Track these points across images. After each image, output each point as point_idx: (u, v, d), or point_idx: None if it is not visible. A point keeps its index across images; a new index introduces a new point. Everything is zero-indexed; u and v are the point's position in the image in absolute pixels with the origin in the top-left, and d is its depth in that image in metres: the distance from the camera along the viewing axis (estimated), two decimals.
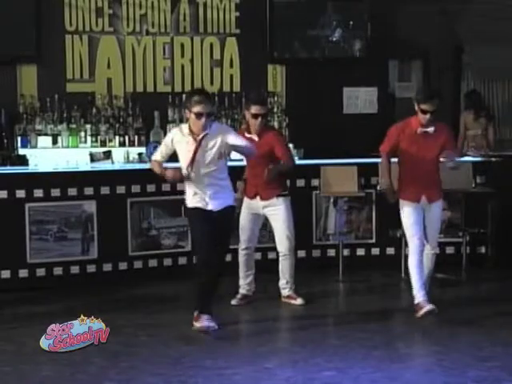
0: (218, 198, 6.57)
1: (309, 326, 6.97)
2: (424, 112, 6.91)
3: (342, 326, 6.96)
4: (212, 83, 10.06)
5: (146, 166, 8.90)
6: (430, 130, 6.98)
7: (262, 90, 9.90)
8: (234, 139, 6.58)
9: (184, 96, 9.56)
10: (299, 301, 7.60)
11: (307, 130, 9.71)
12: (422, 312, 6.92)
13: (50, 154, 9.23)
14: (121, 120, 9.63)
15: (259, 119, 7.38)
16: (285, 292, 7.66)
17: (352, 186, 8.74)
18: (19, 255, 8.14)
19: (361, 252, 9.12)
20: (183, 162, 6.61)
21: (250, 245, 7.57)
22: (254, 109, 7.38)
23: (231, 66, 10.16)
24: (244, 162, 7.52)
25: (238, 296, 7.61)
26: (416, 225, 7.04)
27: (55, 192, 8.26)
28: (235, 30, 10.12)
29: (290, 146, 9.43)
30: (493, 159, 9.20)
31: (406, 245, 8.61)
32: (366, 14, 10.26)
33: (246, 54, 10.11)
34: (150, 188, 8.56)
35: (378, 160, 8.80)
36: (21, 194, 8.16)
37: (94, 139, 9.51)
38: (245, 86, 10.06)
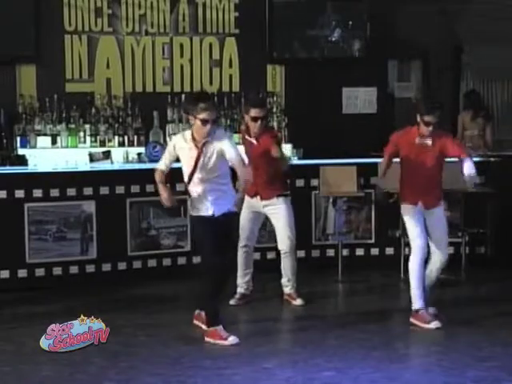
0: (218, 203, 6.54)
1: (308, 326, 6.97)
2: (427, 124, 6.86)
3: (341, 326, 6.95)
4: (211, 83, 10.05)
5: (146, 166, 8.94)
6: (428, 142, 6.94)
7: (261, 92, 9.91)
8: (230, 152, 6.45)
9: (183, 97, 9.65)
10: (299, 301, 7.60)
11: (306, 130, 9.70)
12: (426, 326, 6.86)
13: (49, 154, 9.21)
14: (120, 120, 9.61)
15: (259, 122, 7.40)
16: (286, 290, 7.67)
17: (351, 186, 8.74)
18: (18, 255, 8.14)
19: (360, 252, 9.12)
20: (186, 169, 6.60)
21: (249, 243, 7.58)
22: (254, 112, 7.40)
23: (230, 66, 10.15)
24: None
25: (237, 296, 7.61)
26: (417, 227, 6.95)
27: (54, 192, 8.26)
28: (234, 30, 10.11)
29: (289, 146, 9.45)
30: (492, 159, 9.20)
31: (406, 245, 8.64)
32: (366, 14, 10.25)
33: (246, 54, 10.11)
34: (150, 188, 8.54)
35: (378, 160, 8.82)
36: (20, 194, 8.16)
37: (93, 139, 9.49)
38: (244, 86, 10.05)
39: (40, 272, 8.23)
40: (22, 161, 8.86)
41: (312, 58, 10.23)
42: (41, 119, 9.41)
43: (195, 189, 6.55)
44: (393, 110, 10.83)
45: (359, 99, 10.47)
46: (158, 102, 9.73)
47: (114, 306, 7.51)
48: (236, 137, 9.48)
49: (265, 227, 8.30)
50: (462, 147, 7.13)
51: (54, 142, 9.39)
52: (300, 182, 8.88)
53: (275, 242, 7.80)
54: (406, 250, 8.68)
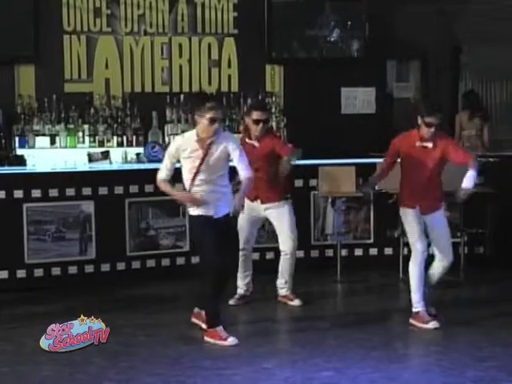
0: (219, 205, 6.54)
1: (307, 326, 6.97)
2: (429, 125, 6.79)
3: (340, 326, 6.96)
4: (210, 83, 10.04)
5: (144, 166, 8.95)
6: (429, 145, 6.90)
7: (261, 92, 9.91)
8: (235, 153, 6.50)
9: (182, 97, 9.65)
10: (296, 302, 7.60)
11: (305, 130, 9.70)
12: (425, 326, 6.86)
13: (48, 155, 9.22)
14: (119, 120, 9.61)
15: (260, 125, 7.41)
16: (282, 292, 7.67)
17: (350, 187, 8.74)
18: (17, 255, 8.13)
19: (359, 252, 9.12)
20: (188, 170, 6.56)
21: (247, 246, 7.56)
22: (256, 114, 7.40)
23: (229, 66, 10.15)
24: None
25: (236, 296, 7.61)
26: (417, 231, 6.91)
27: (53, 192, 8.25)
28: (233, 30, 10.11)
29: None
30: (491, 159, 9.20)
31: (404, 245, 8.65)
32: (364, 15, 10.26)
33: (244, 54, 10.11)
34: (148, 188, 8.55)
35: (377, 160, 8.83)
36: (19, 194, 8.15)
37: (91, 139, 9.49)
38: (243, 86, 10.05)
39: (39, 272, 8.23)
40: (21, 161, 8.86)
41: (311, 58, 10.24)
42: (39, 119, 9.41)
43: (198, 189, 6.54)
44: (391, 110, 10.84)
45: (358, 99, 10.47)
46: (157, 102, 9.73)
47: (113, 306, 7.51)
48: (235, 137, 9.50)
49: (263, 227, 8.31)
50: (469, 156, 6.94)
51: (52, 142, 9.40)
52: (299, 182, 8.87)
53: (274, 242, 7.82)
54: (405, 249, 8.71)
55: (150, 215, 8.64)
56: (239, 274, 7.60)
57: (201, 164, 6.48)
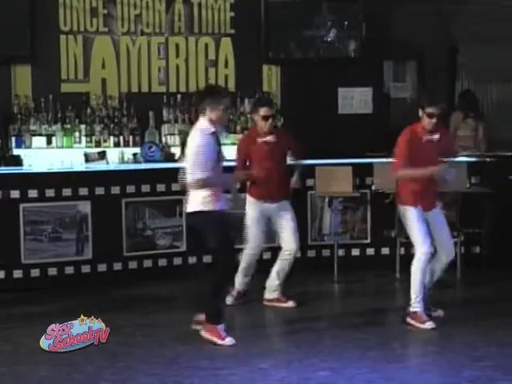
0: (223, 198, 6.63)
1: (304, 326, 6.96)
2: (431, 116, 6.74)
3: (337, 326, 6.96)
4: (207, 83, 10.03)
5: (141, 166, 8.95)
6: (436, 137, 6.84)
7: (257, 93, 9.90)
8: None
9: (179, 97, 9.65)
10: (291, 303, 7.57)
11: (302, 130, 9.64)
12: (422, 326, 6.85)
13: (45, 155, 9.21)
14: (115, 120, 9.60)
15: (269, 120, 7.46)
16: (274, 294, 7.59)
17: (347, 186, 8.75)
18: (13, 256, 8.12)
19: (356, 252, 9.12)
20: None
21: (259, 248, 7.55)
22: (264, 110, 7.44)
23: (226, 66, 10.15)
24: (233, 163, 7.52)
25: (234, 293, 7.57)
26: (422, 232, 6.82)
27: (50, 192, 8.24)
28: (230, 30, 10.11)
29: None
30: (487, 159, 9.22)
31: (401, 245, 8.66)
32: (361, 15, 10.25)
33: (241, 54, 10.10)
34: (145, 188, 8.55)
35: (373, 160, 8.84)
36: (15, 194, 8.14)
37: (88, 139, 9.48)
38: (240, 86, 10.05)
39: (35, 272, 8.22)
40: (17, 161, 8.84)
41: (308, 58, 10.23)
42: (36, 119, 9.40)
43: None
44: (388, 110, 10.84)
45: (355, 99, 10.48)
46: (154, 102, 9.73)
47: (109, 306, 7.50)
48: (232, 137, 9.50)
49: None
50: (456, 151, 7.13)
51: (49, 143, 9.39)
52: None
53: (271, 242, 7.81)
54: (402, 249, 8.72)
55: (147, 215, 8.63)
56: (244, 272, 7.55)
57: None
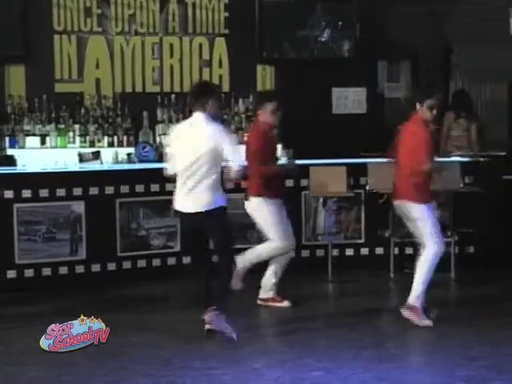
0: None
1: (298, 326, 6.96)
2: (432, 108, 6.80)
3: (331, 326, 6.96)
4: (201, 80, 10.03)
5: (135, 166, 8.95)
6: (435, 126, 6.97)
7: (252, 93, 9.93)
8: None
9: (173, 97, 9.63)
10: (286, 303, 7.55)
11: (296, 131, 9.70)
12: (421, 323, 6.87)
13: (39, 155, 9.20)
14: (109, 120, 9.60)
15: (279, 112, 7.52)
16: (269, 294, 7.57)
17: (341, 187, 8.75)
18: (7, 256, 8.11)
19: (350, 252, 9.12)
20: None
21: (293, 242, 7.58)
22: (272, 105, 7.48)
23: (220, 66, 10.15)
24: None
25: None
26: (438, 227, 6.89)
27: (43, 192, 8.23)
28: (224, 30, 10.11)
29: (279, 146, 9.45)
30: (481, 159, 9.23)
31: (395, 245, 8.67)
32: (355, 15, 10.27)
33: (235, 54, 10.11)
34: (139, 188, 8.55)
35: (367, 160, 8.84)
36: (9, 194, 8.13)
37: (82, 139, 9.48)
38: (234, 86, 10.06)
39: (29, 273, 8.20)
40: (11, 161, 8.84)
41: (302, 58, 10.24)
42: (30, 119, 9.39)
43: None
44: (382, 110, 10.85)
45: (349, 99, 10.49)
46: (148, 102, 9.73)
47: (104, 306, 7.47)
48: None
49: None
50: None
51: (43, 143, 9.38)
52: (290, 182, 8.86)
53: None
54: (396, 249, 8.73)
55: (141, 215, 8.62)
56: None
57: None
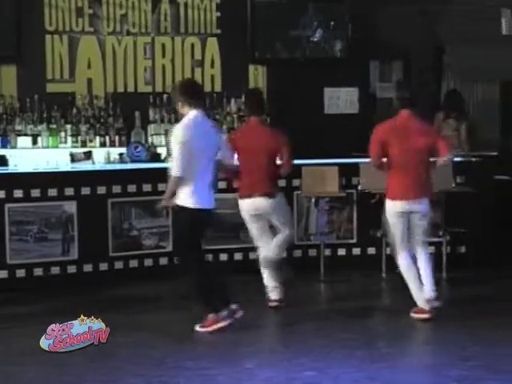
0: None
1: (290, 326, 6.97)
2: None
3: (323, 326, 6.96)
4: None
5: (127, 166, 8.94)
6: None
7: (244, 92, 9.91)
8: None
9: (165, 97, 9.63)
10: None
11: (288, 130, 9.68)
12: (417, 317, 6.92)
13: (30, 155, 9.19)
14: (101, 120, 9.59)
15: None
16: (277, 295, 7.51)
17: (333, 187, 8.76)
18: None
19: (342, 252, 9.13)
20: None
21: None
22: None
23: (212, 66, 10.15)
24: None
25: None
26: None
27: (35, 192, 8.21)
28: (216, 30, 10.11)
29: None
30: (473, 159, 9.25)
31: (387, 245, 8.67)
32: (347, 15, 10.28)
33: (227, 54, 10.11)
34: (131, 188, 8.54)
35: (359, 160, 8.84)
36: (0, 194, 8.11)
37: (74, 139, 9.46)
38: (226, 86, 10.05)
39: (21, 273, 8.18)
40: (3, 161, 8.81)
41: (294, 58, 10.24)
42: (21, 119, 9.37)
43: None
44: (374, 110, 10.84)
45: (341, 99, 10.50)
46: (140, 102, 9.72)
47: (96, 306, 7.45)
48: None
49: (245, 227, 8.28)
50: None
51: (34, 143, 9.36)
52: (282, 182, 8.82)
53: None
54: (388, 249, 8.73)
55: (133, 215, 8.61)
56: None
57: None
